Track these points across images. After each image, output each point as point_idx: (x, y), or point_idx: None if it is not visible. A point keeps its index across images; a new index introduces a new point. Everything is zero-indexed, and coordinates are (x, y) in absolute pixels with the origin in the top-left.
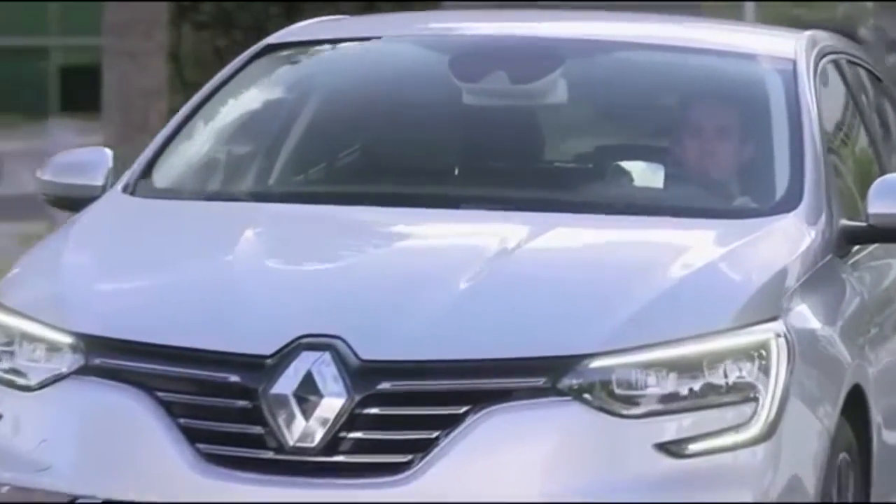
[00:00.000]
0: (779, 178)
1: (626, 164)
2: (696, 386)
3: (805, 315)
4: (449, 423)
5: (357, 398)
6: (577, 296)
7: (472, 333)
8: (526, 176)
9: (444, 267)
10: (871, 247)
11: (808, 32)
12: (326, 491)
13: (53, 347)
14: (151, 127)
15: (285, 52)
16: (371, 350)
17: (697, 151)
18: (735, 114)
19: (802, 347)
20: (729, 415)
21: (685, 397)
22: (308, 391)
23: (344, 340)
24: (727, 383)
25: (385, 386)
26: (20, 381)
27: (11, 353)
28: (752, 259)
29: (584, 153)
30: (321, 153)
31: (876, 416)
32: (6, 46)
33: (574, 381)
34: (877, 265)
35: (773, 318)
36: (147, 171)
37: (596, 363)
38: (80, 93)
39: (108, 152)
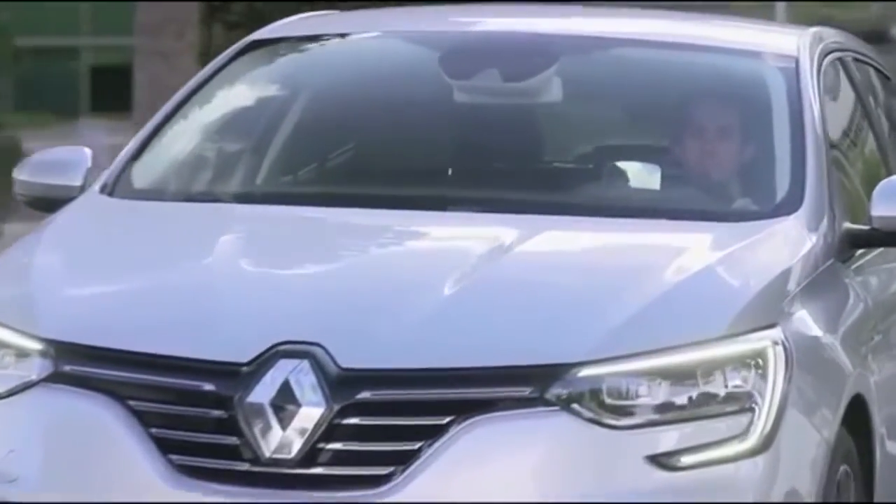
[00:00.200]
0: (779, 180)
1: (622, 165)
2: (690, 396)
3: (805, 322)
4: (432, 434)
5: (336, 408)
6: (567, 302)
7: (456, 341)
8: (517, 177)
9: (429, 271)
10: (876, 251)
11: (813, 29)
12: None
13: (22, 354)
14: None
15: (271, 49)
16: (351, 358)
17: (695, 152)
18: (734, 113)
19: (801, 355)
20: (724, 426)
21: (678, 407)
22: (285, 400)
23: (323, 348)
24: (722, 393)
25: (365, 395)
26: None
27: None
28: (750, 263)
29: (578, 154)
30: (306, 153)
31: (879, 427)
32: (38, 46)
33: (562, 391)
34: (881, 270)
35: (771, 326)
36: (126, 170)
37: (585, 372)
38: (110, 92)
39: (88, 151)
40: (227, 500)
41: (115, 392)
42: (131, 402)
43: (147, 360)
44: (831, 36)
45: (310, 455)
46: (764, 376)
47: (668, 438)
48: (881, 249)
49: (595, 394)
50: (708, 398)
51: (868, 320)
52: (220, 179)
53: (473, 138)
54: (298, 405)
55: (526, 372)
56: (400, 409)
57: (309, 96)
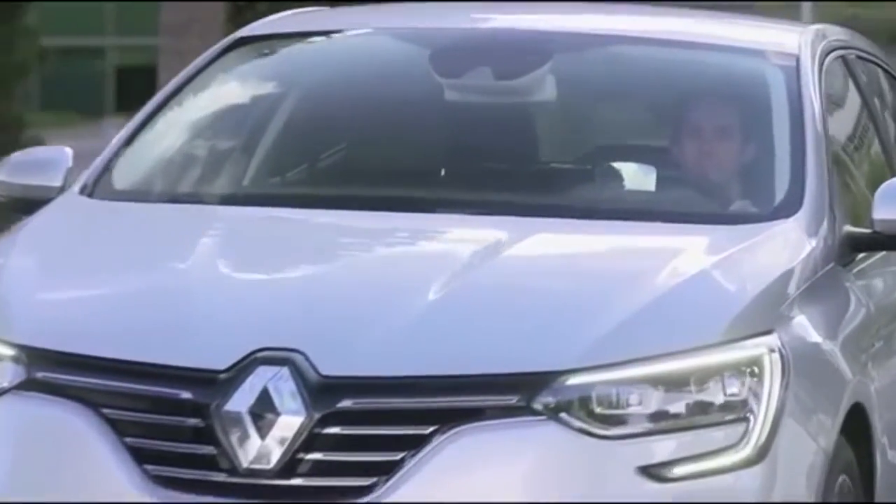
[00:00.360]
0: (778, 181)
1: (617, 166)
2: (683, 404)
3: (803, 328)
4: (415, 444)
5: (316, 416)
6: (555, 307)
7: (440, 348)
8: (508, 178)
9: (414, 276)
10: (878, 255)
11: (816, 26)
12: None
13: None
14: None
15: (258, 46)
16: (332, 365)
17: (692, 152)
18: (733, 112)
19: (799, 362)
20: (718, 436)
21: (671, 417)
22: (264, 408)
23: (303, 354)
24: (717, 402)
25: (347, 403)
26: None
27: None
28: (747, 267)
29: (572, 154)
30: (292, 154)
31: (880, 437)
32: (63, 46)
33: (550, 400)
34: (883, 274)
35: (768, 332)
36: (107, 171)
37: (574, 380)
38: (135, 92)
39: (69, 151)
40: None
41: (88, 400)
42: (105, 411)
43: (122, 367)
44: (835, 34)
45: (289, 465)
46: (760, 384)
47: (660, 449)
48: (883, 253)
49: (584, 402)
50: (702, 407)
51: (869, 326)
52: (203, 180)
53: (463, 138)
54: (277, 414)
55: (512, 380)
56: (382, 418)
57: (295, 95)
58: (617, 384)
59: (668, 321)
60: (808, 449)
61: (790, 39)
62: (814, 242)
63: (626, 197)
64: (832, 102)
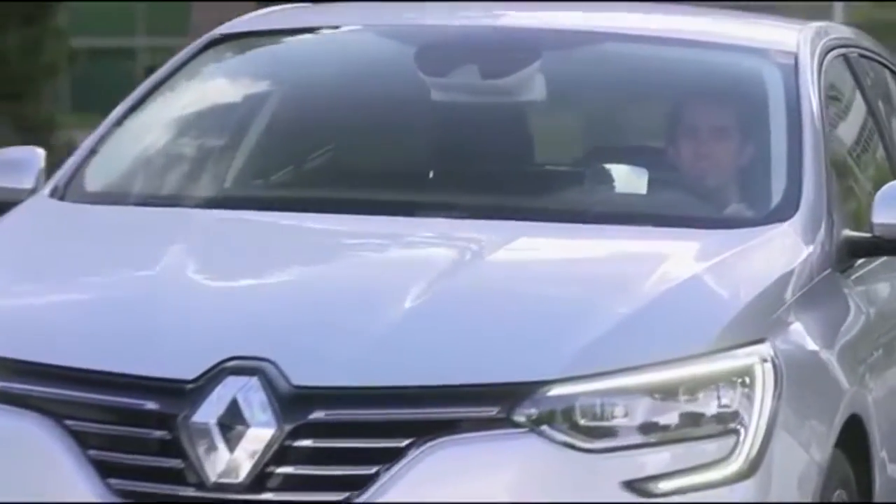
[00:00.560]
0: (775, 184)
1: (608, 168)
2: (671, 416)
3: (797, 336)
4: (390, 457)
5: (287, 428)
6: (538, 315)
7: (416, 357)
8: (494, 181)
9: (391, 282)
10: (878, 260)
11: (816, 24)
12: None
13: None
14: None
15: (237, 44)
16: (304, 375)
17: (686, 154)
18: (728, 112)
19: (793, 372)
20: (707, 449)
21: (658, 429)
22: (233, 420)
23: (274, 364)
24: (706, 413)
25: (319, 415)
26: None
27: None
28: (739, 273)
29: (561, 156)
30: (271, 155)
31: (878, 450)
32: (94, 47)
33: (531, 411)
34: (884, 281)
35: (760, 341)
36: (79, 172)
37: (556, 391)
38: None
39: (41, 152)
40: None
41: (51, 411)
42: (68, 422)
43: (85, 376)
44: (837, 32)
45: (259, 479)
46: (751, 395)
47: (646, 462)
48: (884, 259)
49: (567, 414)
50: (691, 419)
51: (868, 335)
52: (177, 182)
53: (448, 139)
54: (247, 425)
55: (492, 390)
56: (356, 430)
57: (274, 95)
58: (602, 395)
59: (656, 329)
60: (801, 462)
61: (789, 37)
62: (810, 247)
63: (616, 200)
64: (832, 102)
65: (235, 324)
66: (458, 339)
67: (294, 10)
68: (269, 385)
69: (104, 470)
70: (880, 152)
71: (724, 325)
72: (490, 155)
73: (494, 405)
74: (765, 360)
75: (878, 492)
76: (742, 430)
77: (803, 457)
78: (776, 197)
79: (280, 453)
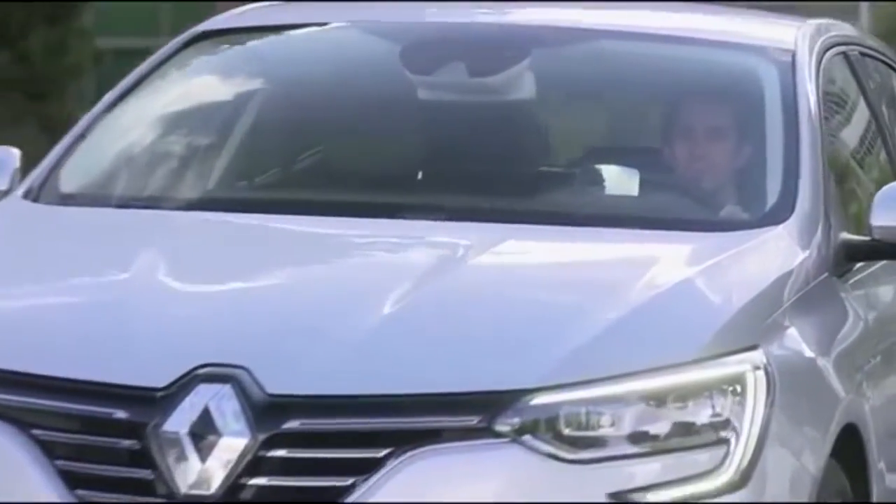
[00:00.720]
0: (770, 185)
1: (599, 169)
2: (660, 426)
3: (792, 343)
4: (367, 468)
5: (261, 438)
6: (522, 320)
7: (395, 364)
8: (480, 182)
9: (370, 287)
10: (877, 264)
11: (815, 21)
12: None
13: None
14: None
15: (219, 41)
16: (279, 383)
17: (680, 154)
18: (724, 112)
19: (786, 380)
20: (697, 459)
21: (646, 439)
22: (205, 429)
23: (248, 371)
24: (696, 423)
25: (293, 424)
26: None
27: None
28: (731, 278)
29: (551, 157)
30: (252, 156)
31: (875, 461)
32: (118, 47)
33: (513, 421)
34: (883, 286)
35: (752, 347)
36: (54, 173)
37: (539, 399)
38: None
39: (16, 152)
40: None
41: (17, 420)
42: (35, 431)
43: (53, 384)
44: (838, 29)
45: (231, 491)
46: (742, 404)
47: (634, 473)
48: (883, 263)
49: (551, 424)
50: (680, 429)
51: (866, 341)
52: (153, 184)
53: (434, 139)
54: (219, 435)
55: (472, 399)
56: (332, 440)
57: (256, 94)
58: (587, 404)
59: (644, 336)
60: (795, 472)
61: (787, 34)
62: (806, 251)
63: (606, 202)
64: (831, 101)
65: (208, 329)
66: (437, 346)
67: (279, 7)
68: (242, 393)
69: (72, 481)
70: (881, 153)
71: (715, 332)
72: (477, 155)
73: (475, 414)
74: (757, 368)
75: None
76: (733, 440)
77: (797, 467)
78: (771, 199)
79: (253, 464)
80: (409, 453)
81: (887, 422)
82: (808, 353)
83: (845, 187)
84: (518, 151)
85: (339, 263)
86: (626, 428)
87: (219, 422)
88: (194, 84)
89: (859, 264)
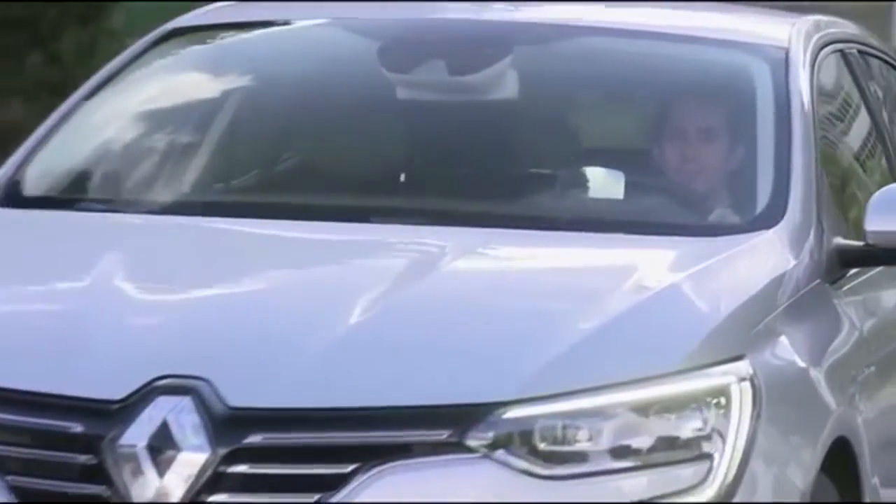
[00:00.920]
0: (760, 188)
1: (583, 172)
2: (640, 440)
3: (781, 352)
4: (333, 485)
5: (222, 453)
6: (495, 330)
7: (362, 376)
8: (459, 184)
9: (338, 295)
10: (872, 271)
11: (811, 17)
12: None
13: None
14: None
15: (192, 38)
16: (241, 395)
17: (670, 156)
18: (715, 112)
19: (774, 392)
20: (680, 474)
21: (626, 454)
22: (163, 443)
23: (208, 383)
24: (678, 437)
25: (255, 439)
26: None
27: None
28: (716, 286)
29: (533, 158)
30: (222, 158)
31: (869, 476)
32: None
33: (486, 435)
34: (878, 293)
35: (738, 358)
36: (17, 176)
37: (513, 412)
38: None
39: None
40: None
41: None
42: None
43: (5, 396)
44: (837, 26)
45: None
46: (727, 417)
47: (612, 489)
48: (879, 269)
49: (525, 438)
50: (661, 443)
51: (859, 350)
52: (120, 187)
53: (411, 140)
54: (178, 449)
55: (442, 412)
56: (296, 455)
57: (230, 93)
58: (563, 417)
59: (624, 346)
60: (782, 488)
61: (781, 31)
62: (797, 256)
63: (589, 206)
64: (826, 101)
65: (168, 339)
66: (406, 357)
67: (255, 4)
68: (202, 406)
69: (23, 497)
70: (879, 155)
71: (699, 341)
72: (457, 157)
73: (445, 428)
74: (742, 379)
75: None
76: (717, 454)
77: (785, 481)
78: (762, 202)
79: (214, 480)
80: (376, 469)
81: (882, 435)
82: (799, 363)
83: (840, 190)
84: (499, 153)
85: (309, 270)
86: (605, 442)
87: (178, 435)
88: (164, 83)
89: (853, 270)
